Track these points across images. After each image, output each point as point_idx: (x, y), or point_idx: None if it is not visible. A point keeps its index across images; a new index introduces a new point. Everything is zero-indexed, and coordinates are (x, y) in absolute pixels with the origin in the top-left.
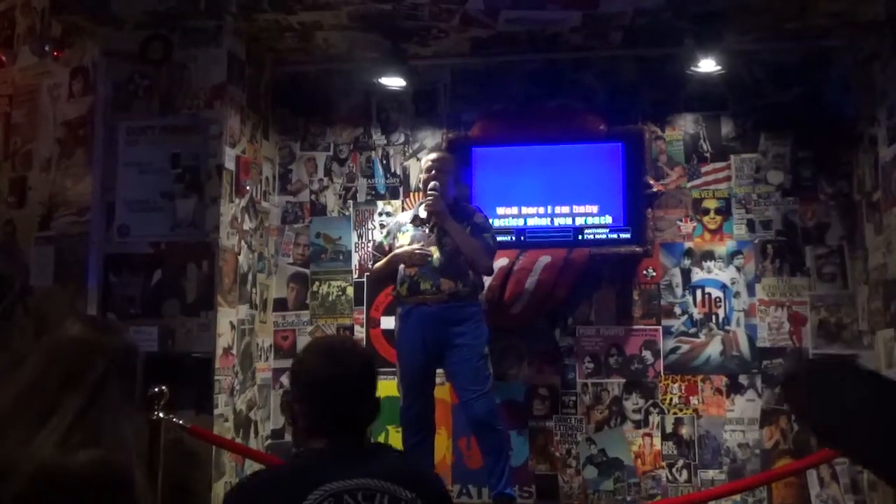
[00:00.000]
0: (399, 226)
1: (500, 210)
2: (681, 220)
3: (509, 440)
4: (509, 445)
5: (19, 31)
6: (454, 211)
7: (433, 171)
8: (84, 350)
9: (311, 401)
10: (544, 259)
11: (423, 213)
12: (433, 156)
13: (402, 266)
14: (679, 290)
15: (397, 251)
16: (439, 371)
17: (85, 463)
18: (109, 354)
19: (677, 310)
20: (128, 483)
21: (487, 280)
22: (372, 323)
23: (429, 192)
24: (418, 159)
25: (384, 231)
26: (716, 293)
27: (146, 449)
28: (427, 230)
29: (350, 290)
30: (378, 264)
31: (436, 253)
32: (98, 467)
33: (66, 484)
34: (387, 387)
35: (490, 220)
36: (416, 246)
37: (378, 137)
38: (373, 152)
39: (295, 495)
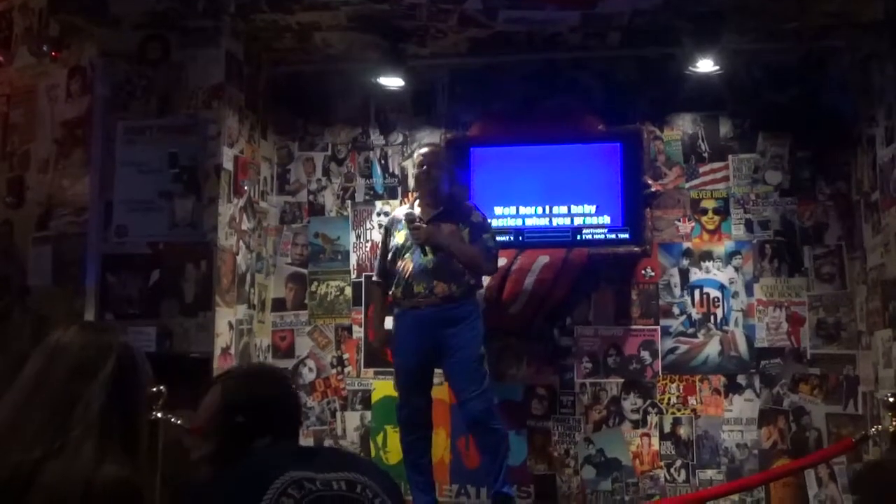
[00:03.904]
0: (394, 222)
1: (499, 210)
2: (679, 221)
3: (506, 439)
4: (507, 445)
5: (17, 31)
6: (450, 209)
7: (425, 166)
8: (89, 348)
9: (257, 406)
10: (542, 259)
11: (417, 210)
12: (424, 150)
13: (397, 268)
14: (677, 290)
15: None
16: (436, 370)
17: (114, 480)
18: (115, 352)
19: (675, 310)
20: (143, 499)
21: (486, 279)
22: (370, 322)
23: (411, 229)
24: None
25: (383, 230)
26: (714, 293)
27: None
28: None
29: (348, 290)
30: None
31: (429, 255)
32: (120, 485)
33: (95, 499)
34: (384, 387)
35: (488, 219)
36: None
37: (376, 137)
38: (371, 152)
39: (258, 484)
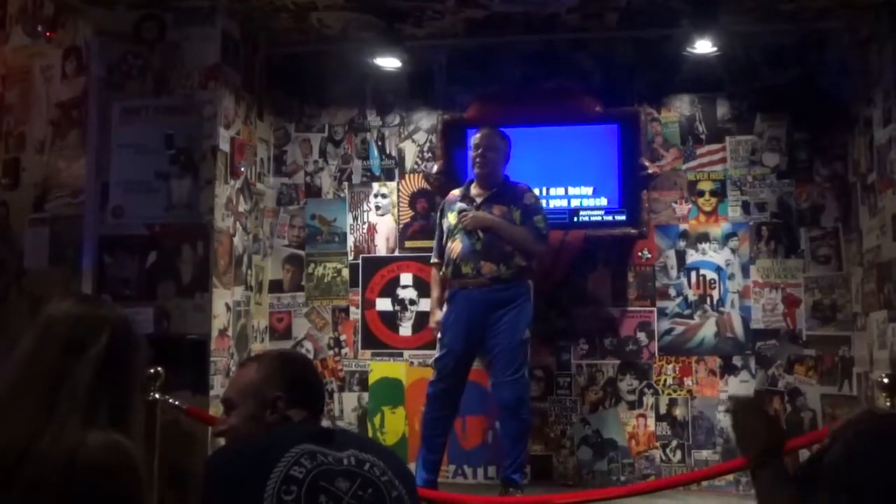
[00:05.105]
0: (450, 204)
1: None
2: (676, 202)
3: (530, 430)
4: (529, 435)
5: (11, 11)
6: (503, 191)
7: (481, 149)
8: (83, 323)
9: (292, 384)
10: None
11: (473, 191)
12: (481, 133)
13: (447, 248)
14: (674, 272)
15: (433, 311)
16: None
17: (101, 445)
18: (110, 326)
19: (672, 291)
20: (136, 467)
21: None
22: (367, 304)
23: (460, 214)
24: (413, 141)
25: (437, 211)
26: (710, 275)
27: (144, 430)
28: (473, 210)
29: (345, 272)
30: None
31: (478, 235)
32: (112, 451)
33: (82, 467)
34: (383, 368)
35: (541, 199)
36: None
37: (373, 119)
38: (368, 134)
39: (275, 452)
